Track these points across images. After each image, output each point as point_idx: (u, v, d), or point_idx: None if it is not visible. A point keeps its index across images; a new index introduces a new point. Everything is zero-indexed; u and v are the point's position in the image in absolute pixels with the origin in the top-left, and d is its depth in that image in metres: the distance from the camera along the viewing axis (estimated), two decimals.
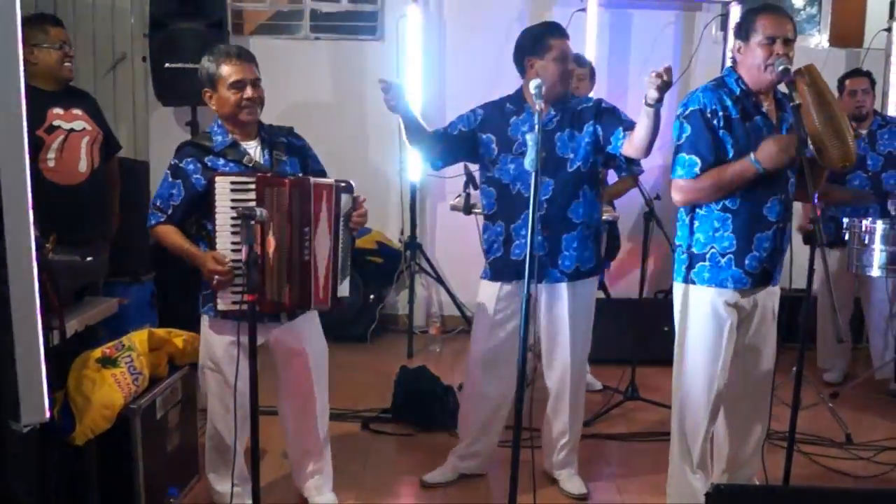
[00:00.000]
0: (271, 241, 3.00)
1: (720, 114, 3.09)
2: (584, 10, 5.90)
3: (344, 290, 3.24)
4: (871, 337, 5.43)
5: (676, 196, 3.19)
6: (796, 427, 4.43)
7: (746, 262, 3.16)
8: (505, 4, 6.11)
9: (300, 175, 3.19)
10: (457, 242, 5.33)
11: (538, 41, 3.49)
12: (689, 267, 3.23)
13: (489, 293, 3.65)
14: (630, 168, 4.33)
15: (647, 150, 3.30)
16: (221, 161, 3.16)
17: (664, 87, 2.99)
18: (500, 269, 3.61)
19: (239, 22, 6.63)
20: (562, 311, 3.60)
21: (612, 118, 3.50)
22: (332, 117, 6.25)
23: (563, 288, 3.58)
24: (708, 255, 3.19)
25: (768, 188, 3.13)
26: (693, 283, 3.23)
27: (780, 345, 3.45)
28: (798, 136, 2.93)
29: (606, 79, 6.07)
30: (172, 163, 3.18)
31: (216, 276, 2.99)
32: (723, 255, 3.17)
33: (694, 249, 3.22)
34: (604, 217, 4.38)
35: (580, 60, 4.83)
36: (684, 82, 6.03)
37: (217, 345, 3.21)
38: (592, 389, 5.10)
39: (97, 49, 6.03)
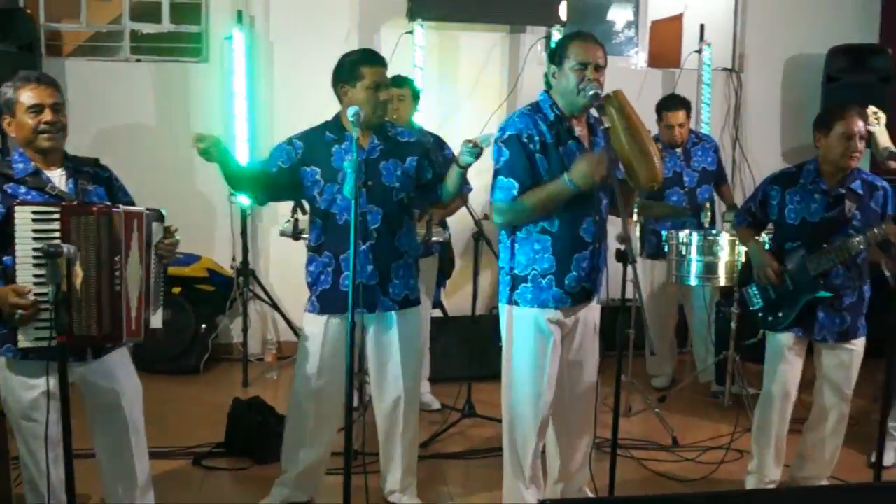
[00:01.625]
0: (79, 273, 2.84)
1: (536, 138, 3.18)
2: (411, 32, 5.95)
3: (157, 321, 3.14)
4: (694, 342, 5.71)
5: (496, 218, 3.27)
6: (629, 434, 4.66)
7: (566, 282, 3.26)
8: (333, 26, 6.08)
9: (108, 203, 3.06)
10: (291, 267, 5.23)
11: (351, 69, 3.48)
12: (513, 289, 3.30)
13: (317, 327, 3.61)
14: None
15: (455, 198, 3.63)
16: (23, 189, 2.97)
17: (478, 154, 3.30)
18: (330, 301, 3.56)
19: (56, 43, 6.35)
20: (392, 338, 3.61)
21: (436, 167, 3.62)
22: (157, 142, 6.04)
23: (393, 316, 3.60)
24: (529, 277, 3.27)
25: (583, 210, 3.24)
26: (517, 304, 3.30)
27: (606, 354, 3.57)
28: (609, 157, 3.05)
29: (436, 100, 6.14)
30: None
31: (19, 311, 2.80)
32: (543, 276, 3.25)
33: (516, 272, 3.29)
34: (434, 238, 4.43)
35: (398, 81, 4.85)
36: (512, 102, 6.17)
37: (19, 389, 3.01)
38: (430, 409, 5.13)
39: None
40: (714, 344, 5.45)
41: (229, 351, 6.22)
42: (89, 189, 3.09)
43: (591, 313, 3.44)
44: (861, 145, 3.66)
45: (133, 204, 3.21)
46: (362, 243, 3.46)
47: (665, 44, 7.62)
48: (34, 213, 2.84)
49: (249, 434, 4.30)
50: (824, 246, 3.70)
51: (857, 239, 3.63)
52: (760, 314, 3.90)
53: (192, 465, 4.27)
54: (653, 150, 3.20)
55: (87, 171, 3.15)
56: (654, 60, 7.01)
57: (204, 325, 5.88)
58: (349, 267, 3.41)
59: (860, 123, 3.64)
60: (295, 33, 6.08)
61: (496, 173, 3.24)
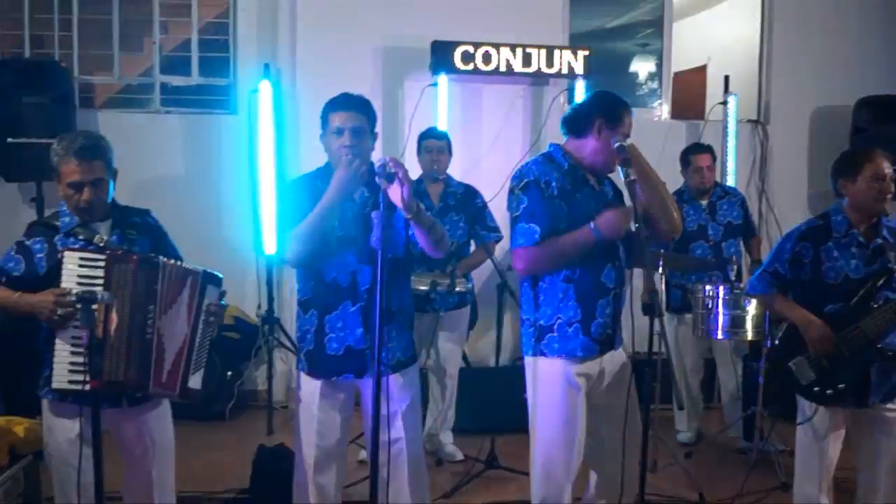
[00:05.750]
0: (114, 318, 2.90)
1: (553, 184, 3.19)
2: (434, 84, 6.03)
3: (196, 382, 3.13)
4: (723, 396, 5.65)
5: (518, 265, 3.22)
6: (655, 489, 4.57)
7: (593, 329, 3.23)
8: (357, 79, 6.11)
9: (151, 254, 3.09)
10: None
11: (323, 115, 3.35)
12: (538, 339, 3.25)
13: (309, 389, 3.38)
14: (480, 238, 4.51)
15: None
16: (71, 240, 3.04)
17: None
18: (315, 363, 3.35)
19: (88, 95, 6.47)
20: (390, 400, 3.28)
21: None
22: (185, 192, 6.14)
23: (392, 380, 3.32)
24: (556, 326, 3.23)
25: (603, 256, 3.23)
26: (543, 355, 3.24)
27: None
28: (634, 209, 3.05)
29: (460, 151, 6.18)
30: (19, 240, 3.08)
31: (59, 310, 2.85)
32: (570, 325, 3.21)
33: (541, 322, 3.25)
34: (457, 289, 4.45)
35: (438, 134, 4.93)
36: (534, 154, 6.21)
37: (58, 430, 3.06)
38: (454, 460, 5.10)
39: None
40: (741, 399, 5.40)
41: (254, 398, 6.25)
42: (134, 238, 3.14)
43: (616, 359, 3.38)
44: (892, 187, 3.57)
45: (179, 259, 3.22)
46: (352, 304, 3.28)
47: (688, 95, 7.68)
48: (81, 258, 2.92)
49: (274, 481, 4.28)
50: (874, 305, 3.54)
51: None
52: (816, 388, 3.60)
53: None
54: (670, 201, 3.25)
55: (135, 221, 3.21)
56: (678, 112, 7.05)
57: (230, 373, 5.92)
58: (335, 329, 3.30)
59: (887, 164, 3.56)
60: (321, 86, 6.07)
61: (515, 220, 3.22)
